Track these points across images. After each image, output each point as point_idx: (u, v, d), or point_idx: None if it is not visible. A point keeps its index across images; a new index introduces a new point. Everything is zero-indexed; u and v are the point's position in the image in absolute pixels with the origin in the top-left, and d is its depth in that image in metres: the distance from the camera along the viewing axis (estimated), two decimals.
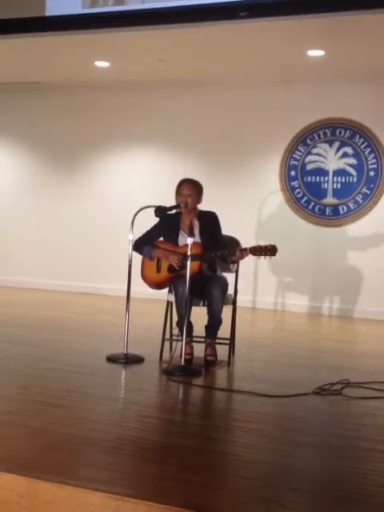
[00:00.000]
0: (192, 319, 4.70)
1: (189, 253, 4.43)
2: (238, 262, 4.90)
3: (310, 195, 8.11)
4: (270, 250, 4.56)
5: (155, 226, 4.96)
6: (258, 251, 4.58)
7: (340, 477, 2.66)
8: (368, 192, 7.86)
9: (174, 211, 4.82)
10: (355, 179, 7.92)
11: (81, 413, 3.39)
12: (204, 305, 4.73)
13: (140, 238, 4.91)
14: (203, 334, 4.78)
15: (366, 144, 7.88)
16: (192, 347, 4.74)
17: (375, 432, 3.33)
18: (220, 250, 4.67)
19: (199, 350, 4.75)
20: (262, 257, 4.59)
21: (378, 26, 5.87)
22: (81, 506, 2.34)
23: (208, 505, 2.31)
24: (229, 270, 5.00)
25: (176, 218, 4.88)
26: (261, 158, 8.32)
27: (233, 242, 5.00)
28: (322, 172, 8.07)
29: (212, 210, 4.93)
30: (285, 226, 8.16)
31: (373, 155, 7.85)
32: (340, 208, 7.98)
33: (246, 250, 4.60)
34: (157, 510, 2.24)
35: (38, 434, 2.99)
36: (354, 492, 2.51)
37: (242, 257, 4.63)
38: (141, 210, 4.70)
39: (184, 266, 4.53)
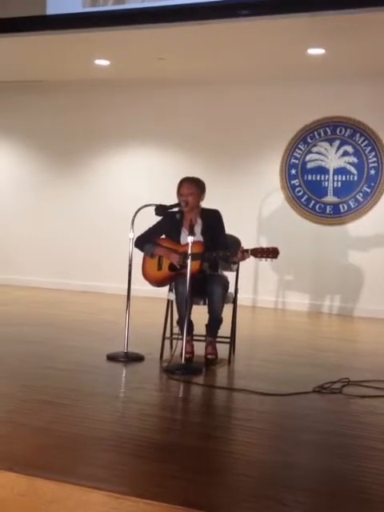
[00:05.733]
0: (192, 318, 4.69)
1: (189, 252, 4.43)
2: (238, 263, 4.89)
3: (310, 194, 8.10)
4: (271, 253, 4.52)
5: (158, 223, 4.94)
6: (260, 253, 4.54)
7: (340, 475, 2.67)
8: (368, 190, 7.86)
9: (175, 209, 4.82)
10: (356, 178, 7.92)
11: (81, 411, 3.39)
12: (205, 303, 4.73)
13: (142, 235, 4.90)
14: (204, 332, 4.78)
15: (366, 142, 7.87)
16: (192, 346, 4.74)
17: (375, 430, 3.33)
18: (222, 250, 4.66)
19: (200, 348, 4.75)
20: (264, 259, 4.57)
21: (379, 25, 5.86)
22: (81, 504, 2.34)
23: (208, 503, 2.31)
24: (229, 269, 4.99)
25: (179, 216, 4.87)
26: (261, 157, 8.32)
27: (235, 243, 4.98)
28: (322, 170, 8.07)
29: (215, 208, 4.93)
30: (285, 225, 8.16)
31: (373, 153, 7.84)
32: (340, 206, 7.98)
33: (247, 251, 4.56)
34: (157, 508, 2.25)
35: (38, 433, 3.00)
36: (355, 490, 2.51)
37: (243, 258, 4.60)
38: (141, 208, 4.70)
39: (185, 265, 4.52)
